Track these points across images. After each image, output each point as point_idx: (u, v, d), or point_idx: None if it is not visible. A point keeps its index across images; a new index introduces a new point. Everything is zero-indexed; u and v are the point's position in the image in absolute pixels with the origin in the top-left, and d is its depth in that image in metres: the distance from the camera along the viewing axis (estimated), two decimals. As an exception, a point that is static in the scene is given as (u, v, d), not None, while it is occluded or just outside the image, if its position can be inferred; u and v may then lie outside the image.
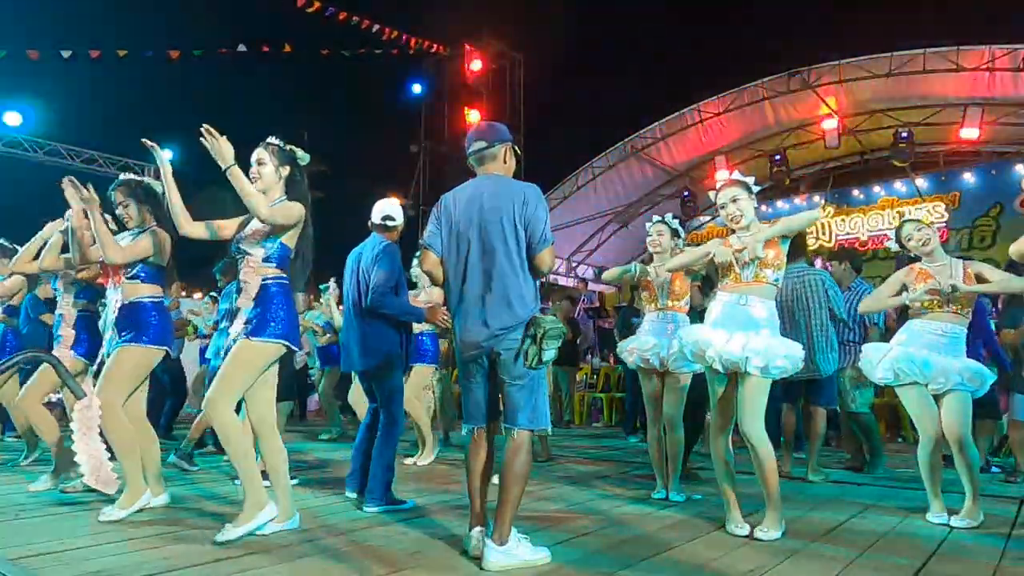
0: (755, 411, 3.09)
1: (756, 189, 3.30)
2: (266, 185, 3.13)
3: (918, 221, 3.60)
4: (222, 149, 2.87)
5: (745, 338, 3.06)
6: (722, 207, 3.28)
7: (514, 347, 2.65)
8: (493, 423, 2.84)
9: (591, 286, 14.71)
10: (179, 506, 3.64)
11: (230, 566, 2.57)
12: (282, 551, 2.78)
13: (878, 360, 3.52)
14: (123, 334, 3.40)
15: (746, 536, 3.08)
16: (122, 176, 3.65)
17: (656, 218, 4.26)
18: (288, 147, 3.22)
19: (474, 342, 2.70)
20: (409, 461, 5.49)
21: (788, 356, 3.09)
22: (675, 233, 4.17)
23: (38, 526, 3.16)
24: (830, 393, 4.91)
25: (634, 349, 4.08)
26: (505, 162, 2.91)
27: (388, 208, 3.91)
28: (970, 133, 11.26)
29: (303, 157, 3.25)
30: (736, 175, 3.38)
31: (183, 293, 7.35)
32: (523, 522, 3.33)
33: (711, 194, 3.45)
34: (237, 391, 3.00)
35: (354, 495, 3.83)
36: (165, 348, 3.48)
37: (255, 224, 3.08)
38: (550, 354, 2.63)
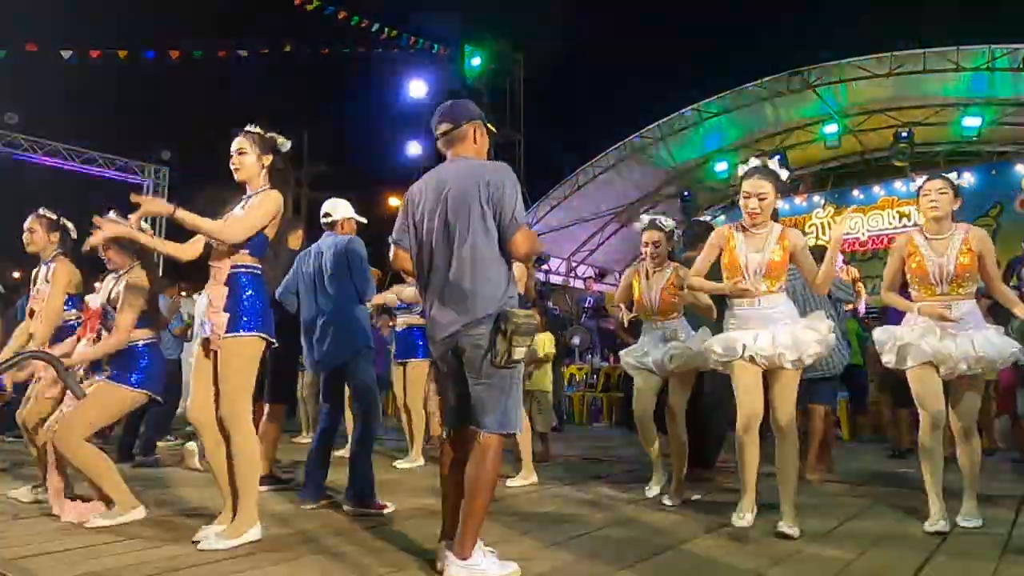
0: (789, 403, 3.14)
1: (784, 182, 3.22)
2: (248, 175, 3.04)
3: (949, 181, 3.28)
4: (156, 208, 2.87)
5: (771, 335, 3.09)
6: (745, 196, 3.18)
7: (481, 343, 2.43)
8: (467, 427, 2.58)
9: (595, 286, 14.71)
10: (178, 507, 3.63)
11: (230, 566, 2.56)
12: (282, 551, 2.78)
13: (887, 343, 3.33)
14: (110, 370, 3.36)
15: (748, 527, 3.10)
16: (109, 216, 3.38)
17: (645, 218, 4.01)
18: (269, 135, 3.12)
19: (440, 337, 2.53)
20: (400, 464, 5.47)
21: (819, 341, 3.11)
22: (670, 236, 3.96)
23: (37, 526, 3.16)
24: (828, 391, 4.84)
25: (629, 354, 4.06)
26: (475, 142, 2.68)
27: (326, 206, 4.08)
28: (972, 122, 11.24)
29: (284, 144, 3.15)
30: (772, 163, 3.25)
31: (183, 294, 7.33)
32: (522, 524, 3.34)
33: (739, 169, 3.32)
34: (244, 395, 2.91)
35: (312, 506, 3.64)
36: (148, 393, 3.41)
37: (236, 212, 3.01)
38: (521, 352, 2.41)
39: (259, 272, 3.02)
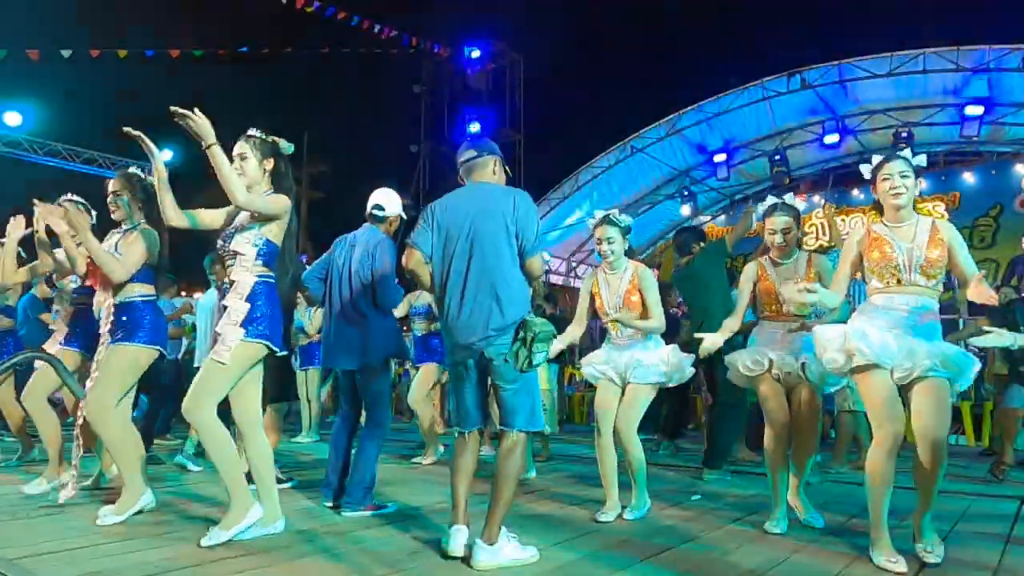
0: (811, 402, 3.35)
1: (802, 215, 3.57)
2: (251, 180, 3.01)
3: (909, 162, 2.82)
4: (203, 127, 2.73)
5: (795, 357, 3.32)
6: (771, 232, 3.44)
7: (504, 351, 2.66)
8: (481, 428, 2.86)
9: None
10: (179, 507, 3.63)
11: (229, 566, 2.57)
12: (281, 551, 2.78)
13: (830, 340, 2.80)
14: (115, 334, 3.31)
15: (779, 534, 3.18)
16: (130, 169, 3.57)
17: (599, 214, 3.67)
18: (271, 138, 3.10)
19: (464, 345, 2.72)
20: (415, 460, 5.53)
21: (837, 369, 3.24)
22: (626, 232, 3.62)
23: (37, 526, 3.15)
24: None
25: (589, 362, 3.72)
26: (495, 173, 2.93)
27: (379, 197, 3.84)
28: (972, 122, 11.21)
29: (287, 147, 3.14)
30: (789, 198, 3.54)
31: (182, 294, 7.32)
32: (523, 522, 3.34)
33: (759, 206, 3.63)
34: (218, 394, 2.90)
35: (330, 503, 3.67)
36: (159, 348, 3.40)
37: (242, 218, 3.01)
38: (541, 357, 2.64)
39: (273, 281, 3.04)
